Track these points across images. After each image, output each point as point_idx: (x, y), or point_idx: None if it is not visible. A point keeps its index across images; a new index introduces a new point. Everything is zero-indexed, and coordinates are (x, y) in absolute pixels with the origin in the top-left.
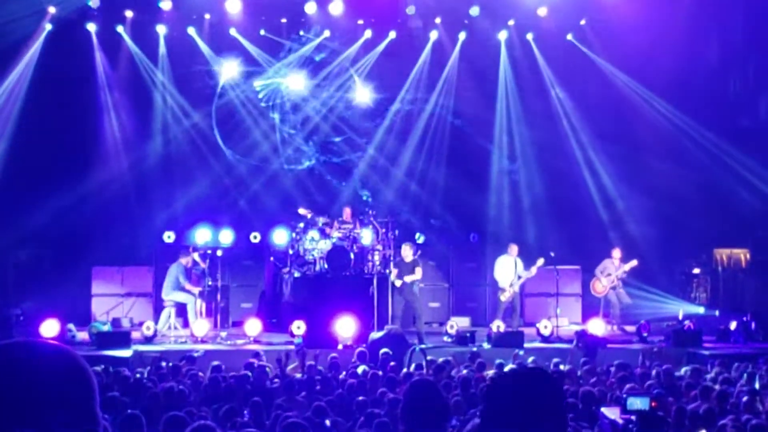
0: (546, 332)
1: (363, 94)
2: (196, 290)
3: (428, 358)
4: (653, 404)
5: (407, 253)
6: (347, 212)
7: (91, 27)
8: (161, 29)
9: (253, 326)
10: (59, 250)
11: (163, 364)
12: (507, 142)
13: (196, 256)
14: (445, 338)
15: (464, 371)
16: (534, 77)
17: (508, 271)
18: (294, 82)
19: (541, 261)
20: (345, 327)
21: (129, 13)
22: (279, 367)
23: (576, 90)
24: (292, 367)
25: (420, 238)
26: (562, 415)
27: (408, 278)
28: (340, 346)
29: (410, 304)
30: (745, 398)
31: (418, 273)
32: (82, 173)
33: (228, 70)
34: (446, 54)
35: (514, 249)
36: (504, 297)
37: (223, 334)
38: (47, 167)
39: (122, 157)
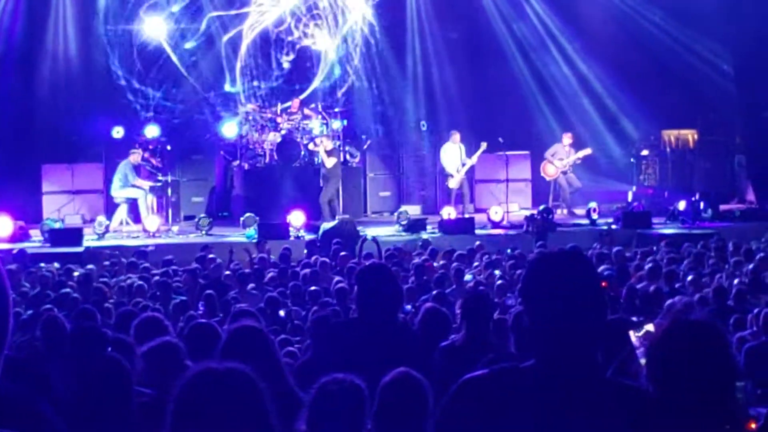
0: (497, 218)
1: None
2: (147, 185)
3: (380, 247)
4: (604, 284)
5: (326, 143)
6: (295, 103)
7: None
8: None
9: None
10: (7, 148)
11: (124, 260)
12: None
13: (145, 154)
14: (396, 227)
15: (417, 259)
16: None
17: (454, 157)
18: None
19: (483, 146)
20: (295, 218)
21: None
22: (230, 259)
23: None
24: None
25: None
26: (600, 293)
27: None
28: (291, 237)
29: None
30: (690, 277)
31: (329, 163)
32: (29, 66)
33: None
34: None
35: (456, 136)
36: (452, 184)
37: (175, 228)
38: None
39: (67, 51)
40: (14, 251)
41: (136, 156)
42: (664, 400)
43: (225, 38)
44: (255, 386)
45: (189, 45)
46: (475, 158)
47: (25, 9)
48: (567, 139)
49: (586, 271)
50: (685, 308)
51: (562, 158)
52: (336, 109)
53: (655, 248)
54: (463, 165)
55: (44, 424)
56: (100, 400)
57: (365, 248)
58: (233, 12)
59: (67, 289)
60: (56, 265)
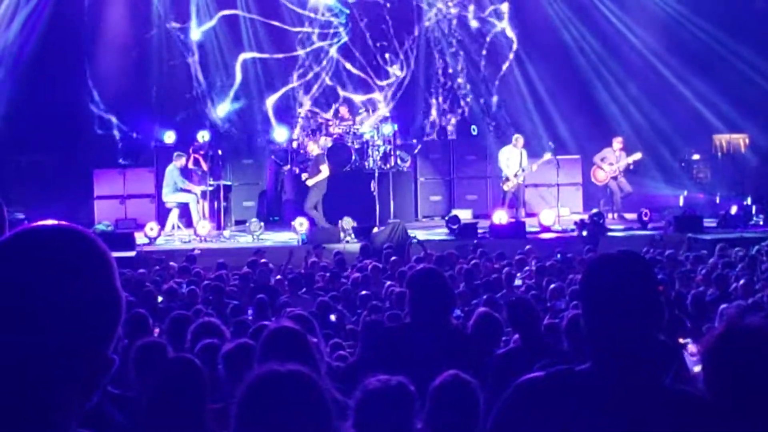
0: (548, 222)
1: None
2: (198, 189)
3: (428, 251)
4: (660, 288)
5: (311, 147)
6: (344, 109)
7: None
8: None
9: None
10: (60, 154)
11: (174, 264)
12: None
13: (195, 157)
14: (447, 231)
15: (467, 263)
16: None
17: (513, 161)
18: None
19: (547, 155)
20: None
21: None
22: (283, 264)
23: None
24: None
25: (417, 149)
26: (659, 297)
27: (310, 181)
28: (341, 245)
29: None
30: (742, 282)
31: (325, 171)
32: (82, 75)
33: None
34: None
35: (520, 140)
36: (507, 187)
37: (227, 232)
38: (44, 71)
39: (123, 57)
40: None
41: (181, 160)
42: (722, 407)
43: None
44: (318, 387)
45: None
46: (536, 166)
47: (77, 11)
48: (617, 143)
49: (645, 273)
50: (738, 313)
51: (612, 163)
52: (386, 114)
53: (706, 252)
54: (523, 170)
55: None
56: (175, 403)
57: (413, 252)
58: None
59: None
60: None
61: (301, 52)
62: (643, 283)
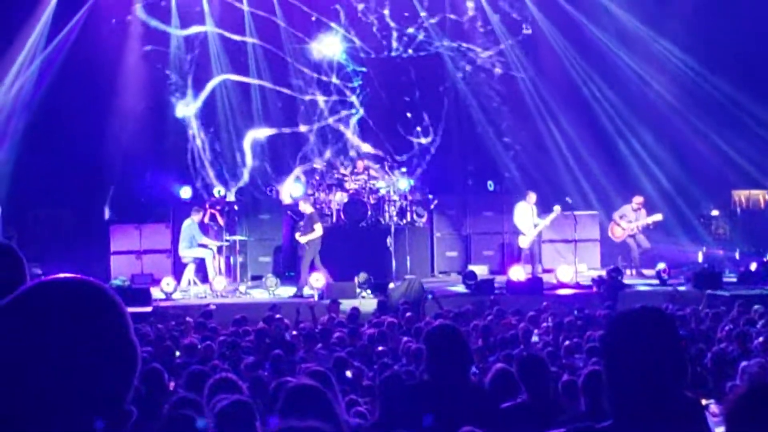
0: (565, 278)
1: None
2: (215, 245)
3: (444, 308)
4: (683, 344)
5: (304, 206)
6: (360, 164)
7: None
8: None
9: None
10: (77, 209)
11: (190, 319)
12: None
13: (211, 212)
14: (463, 287)
15: (484, 320)
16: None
17: (527, 217)
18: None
19: (557, 209)
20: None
21: None
22: (297, 320)
23: (588, 38)
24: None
25: (433, 204)
26: (683, 353)
27: (302, 239)
28: (358, 301)
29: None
30: (761, 339)
31: (318, 229)
32: (100, 133)
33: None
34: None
35: (532, 196)
36: (524, 243)
37: (242, 288)
38: (65, 126)
39: (139, 115)
40: None
41: (198, 215)
42: None
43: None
44: None
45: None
46: (547, 221)
47: (95, 69)
48: (636, 201)
49: (668, 328)
50: (760, 371)
51: (630, 221)
52: (403, 169)
53: (725, 309)
54: (535, 226)
55: None
56: None
57: (428, 309)
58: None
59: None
60: None
61: (304, 128)
62: (666, 339)
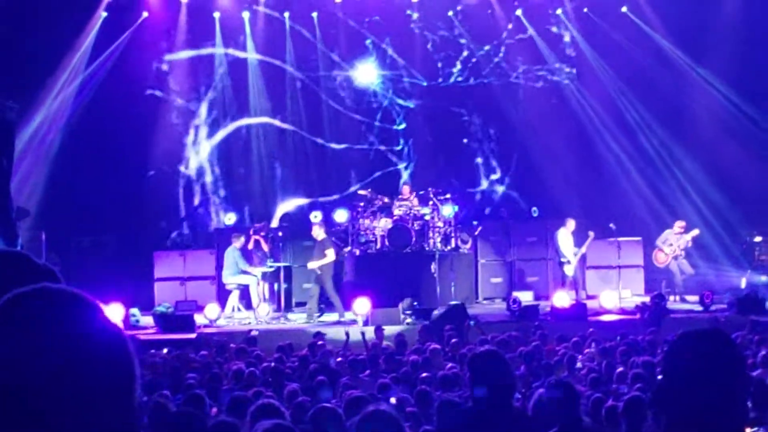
0: (609, 304)
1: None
2: (258, 271)
3: (484, 330)
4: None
5: (317, 232)
6: (406, 189)
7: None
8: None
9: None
10: (121, 236)
11: (233, 346)
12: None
13: (255, 239)
14: (508, 313)
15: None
16: (592, 50)
17: (569, 243)
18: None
19: (591, 235)
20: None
21: None
22: (342, 347)
23: (630, 64)
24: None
25: (478, 230)
26: (744, 377)
27: (312, 264)
28: (403, 326)
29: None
30: None
31: (330, 255)
32: (143, 158)
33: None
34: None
35: (571, 223)
36: (570, 271)
37: (291, 316)
38: (108, 153)
39: (182, 141)
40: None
41: (240, 240)
42: None
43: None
44: None
45: None
46: (584, 248)
47: (139, 102)
48: (678, 226)
49: (734, 353)
50: None
51: (672, 243)
52: (447, 195)
53: None
54: (575, 254)
55: None
56: None
57: (470, 336)
58: None
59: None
60: (165, 350)
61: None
62: (731, 363)
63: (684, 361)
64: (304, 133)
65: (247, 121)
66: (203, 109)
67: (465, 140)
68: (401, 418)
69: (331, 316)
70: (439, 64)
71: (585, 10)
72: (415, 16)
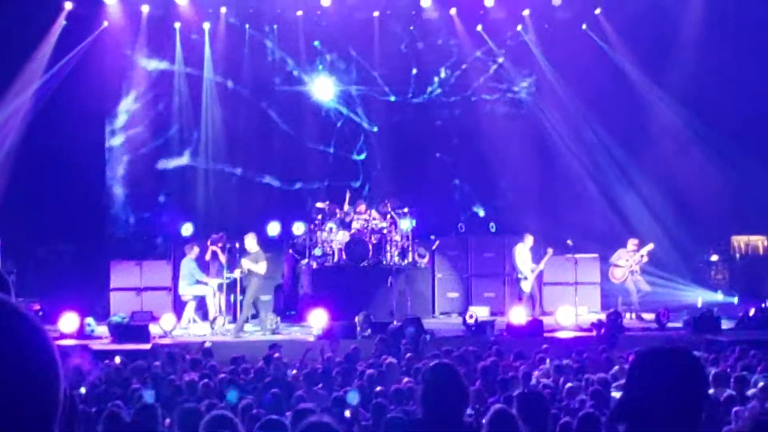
0: (565, 321)
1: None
2: (215, 282)
3: (442, 348)
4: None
5: (250, 244)
6: (363, 205)
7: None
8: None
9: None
10: (77, 246)
11: (187, 356)
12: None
13: (212, 250)
14: (464, 328)
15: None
16: (552, 67)
17: (527, 260)
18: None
19: (550, 252)
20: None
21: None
22: (299, 359)
23: (589, 81)
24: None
25: (435, 245)
26: (704, 394)
27: (246, 263)
28: (357, 340)
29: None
30: (761, 384)
31: (261, 267)
32: (97, 168)
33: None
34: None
35: (529, 239)
36: (527, 287)
37: (247, 327)
38: (63, 163)
39: (138, 150)
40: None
41: (194, 251)
42: None
43: None
44: None
45: None
46: (542, 264)
47: (95, 108)
48: (632, 244)
49: (697, 372)
50: (763, 411)
51: (627, 259)
52: (404, 209)
53: (724, 353)
54: (532, 270)
55: None
56: None
57: (425, 350)
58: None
59: (136, 385)
60: (117, 359)
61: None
62: (693, 380)
63: (648, 377)
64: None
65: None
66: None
67: (438, 154)
68: (352, 431)
69: (289, 329)
70: (407, 79)
71: (546, 26)
72: (376, 30)
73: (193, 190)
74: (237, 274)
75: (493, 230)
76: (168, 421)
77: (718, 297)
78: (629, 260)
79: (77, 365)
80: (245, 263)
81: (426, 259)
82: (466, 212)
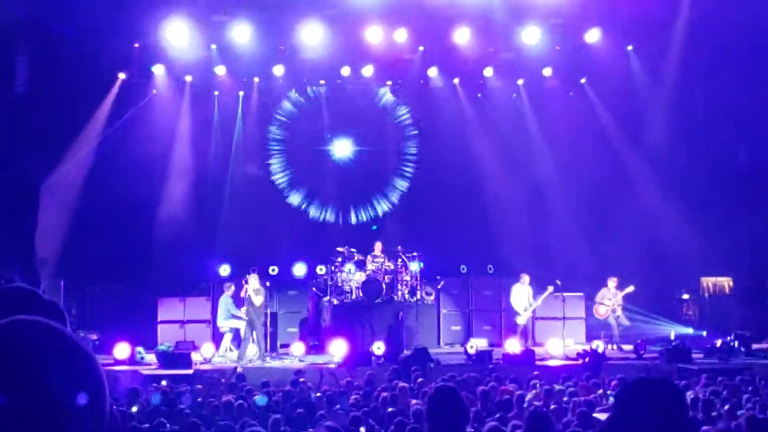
0: (554, 351)
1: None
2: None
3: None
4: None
5: (253, 282)
6: (378, 247)
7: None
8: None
9: (298, 348)
10: (129, 284)
11: (223, 380)
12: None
13: (246, 288)
14: (466, 357)
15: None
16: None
17: (522, 297)
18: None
19: (549, 289)
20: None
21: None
22: (318, 383)
23: (576, 140)
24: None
25: (440, 284)
26: (688, 424)
27: (256, 299)
28: (373, 367)
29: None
30: (726, 407)
31: (257, 301)
32: (149, 215)
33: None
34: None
35: (525, 278)
36: (521, 321)
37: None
38: (119, 208)
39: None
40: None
41: (231, 289)
42: None
43: None
44: None
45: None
46: (540, 301)
47: (143, 157)
48: (612, 283)
49: (679, 400)
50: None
51: (610, 298)
52: (414, 253)
53: (694, 380)
54: (530, 305)
55: None
56: None
57: (431, 376)
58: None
59: (181, 405)
60: (164, 382)
61: None
62: (672, 409)
63: (635, 403)
64: None
65: None
66: None
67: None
68: None
69: (314, 357)
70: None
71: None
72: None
73: (231, 233)
74: (243, 312)
75: (491, 271)
76: None
77: (689, 331)
78: (612, 300)
79: (131, 388)
80: (252, 294)
81: (432, 297)
82: (467, 256)
